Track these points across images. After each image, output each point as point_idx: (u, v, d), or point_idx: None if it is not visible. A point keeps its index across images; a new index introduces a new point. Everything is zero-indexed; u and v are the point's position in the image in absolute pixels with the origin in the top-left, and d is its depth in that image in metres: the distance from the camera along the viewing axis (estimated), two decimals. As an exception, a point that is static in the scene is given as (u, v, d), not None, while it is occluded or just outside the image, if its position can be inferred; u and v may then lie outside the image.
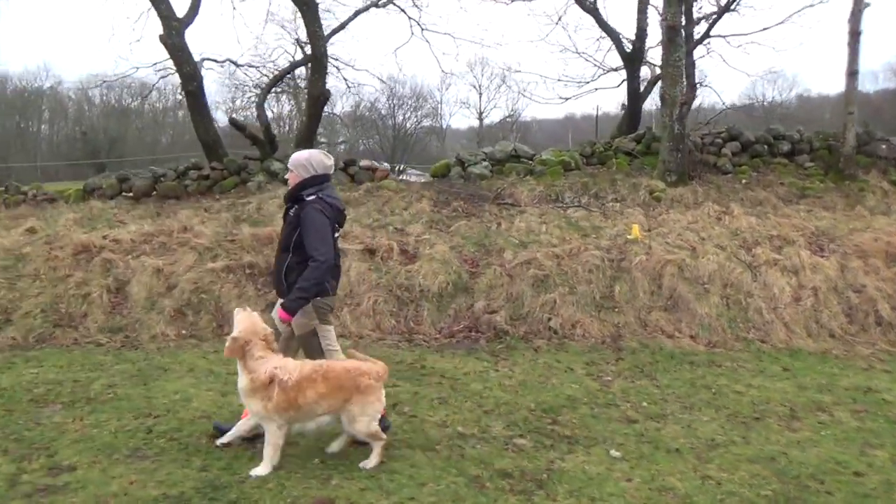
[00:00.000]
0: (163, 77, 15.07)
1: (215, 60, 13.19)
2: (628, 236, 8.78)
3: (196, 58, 11.69)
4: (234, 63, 13.78)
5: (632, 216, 9.74)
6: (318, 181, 4.23)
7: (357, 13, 12.27)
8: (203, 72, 11.75)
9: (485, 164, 11.71)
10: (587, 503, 3.66)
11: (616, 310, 7.56)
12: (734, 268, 8.09)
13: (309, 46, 12.62)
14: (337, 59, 13.78)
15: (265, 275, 7.76)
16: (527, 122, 51.25)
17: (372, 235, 8.57)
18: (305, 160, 4.26)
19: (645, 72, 15.53)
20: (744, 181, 11.48)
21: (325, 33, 11.88)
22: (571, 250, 8.29)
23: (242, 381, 3.83)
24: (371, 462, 3.91)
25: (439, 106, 49.87)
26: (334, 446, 4.08)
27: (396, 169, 48.76)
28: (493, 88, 54.43)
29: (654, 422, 4.97)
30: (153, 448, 4.17)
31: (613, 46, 14.18)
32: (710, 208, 10.09)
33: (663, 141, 11.17)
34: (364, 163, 12.27)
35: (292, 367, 3.84)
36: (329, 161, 4.29)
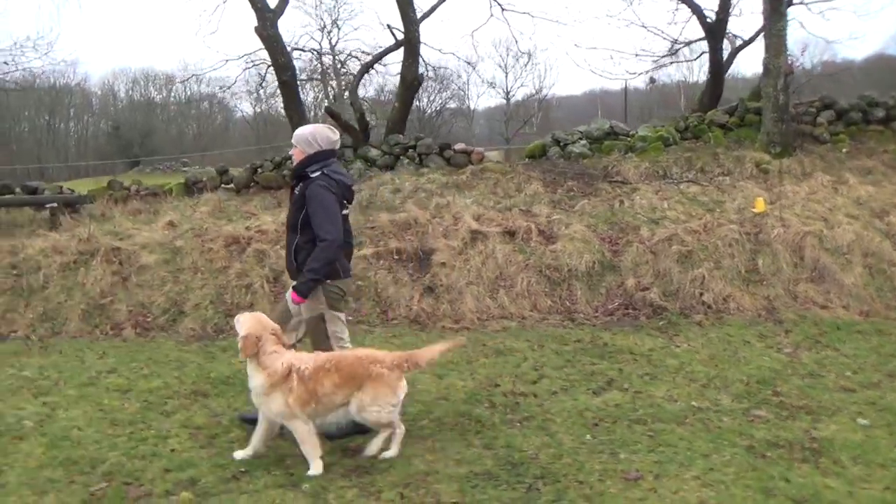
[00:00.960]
0: (246, 69, 15.06)
1: (302, 49, 13.24)
2: (753, 210, 8.84)
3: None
4: (317, 52, 13.78)
5: (746, 189, 9.78)
6: (323, 157, 4.09)
7: (442, -1, 12.28)
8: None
9: (582, 142, 11.76)
10: (878, 469, 3.80)
11: (764, 283, 7.66)
12: (872, 237, 8.17)
13: (392, 31, 12.68)
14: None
15: (414, 260, 7.94)
16: (548, 100, 50.82)
17: (504, 217, 8.69)
18: (309, 135, 4.12)
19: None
20: (844, 150, 11.45)
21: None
22: (706, 225, 8.38)
23: (257, 379, 3.69)
24: (371, 450, 3.86)
25: (466, 87, 49.67)
26: (371, 448, 3.91)
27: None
28: (520, 67, 54.12)
29: (871, 390, 5.10)
30: (423, 430, 4.35)
31: (694, 18, 14.07)
32: (822, 178, 10.11)
33: (766, 112, 11.15)
34: (458, 146, 12.35)
35: (307, 358, 3.77)
36: (335, 136, 4.17)
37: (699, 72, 49.92)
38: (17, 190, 12.09)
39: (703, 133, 12.16)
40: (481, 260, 7.91)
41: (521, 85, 48.67)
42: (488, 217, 8.64)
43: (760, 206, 8.88)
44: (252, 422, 3.97)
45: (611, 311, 7.33)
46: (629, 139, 11.74)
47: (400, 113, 12.59)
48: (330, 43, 55.68)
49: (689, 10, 13.87)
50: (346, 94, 13.07)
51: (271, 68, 13.78)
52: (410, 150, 12.22)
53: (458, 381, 5.29)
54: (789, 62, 11.04)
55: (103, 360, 5.97)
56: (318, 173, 4.03)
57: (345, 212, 4.13)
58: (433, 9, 12.32)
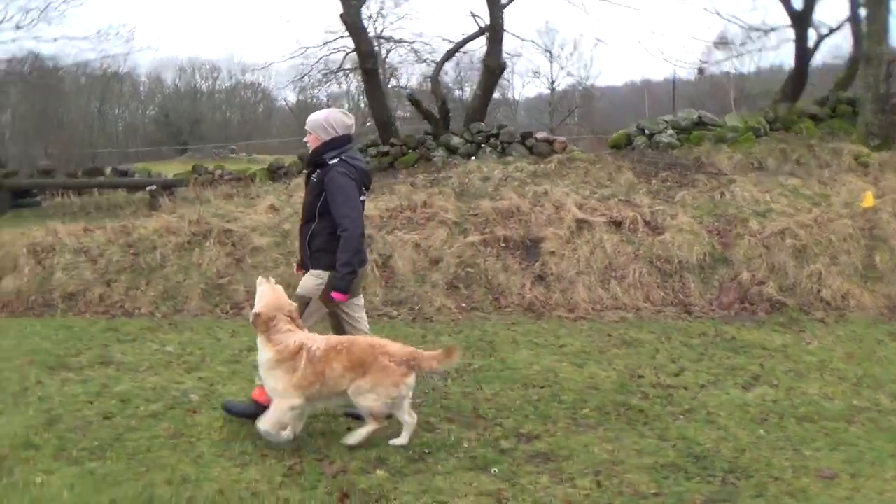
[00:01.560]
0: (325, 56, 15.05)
1: (387, 39, 13.26)
2: (862, 204, 8.61)
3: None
4: (393, 40, 13.77)
5: (849, 183, 9.53)
6: (339, 143, 3.98)
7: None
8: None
9: (670, 132, 11.59)
10: None
11: (883, 280, 7.47)
12: None
13: (476, 18, 12.61)
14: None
15: (521, 248, 7.92)
16: (590, 90, 50.05)
17: (606, 207, 8.61)
18: (324, 120, 3.98)
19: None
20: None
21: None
22: (817, 219, 8.19)
23: (265, 354, 3.65)
24: (355, 438, 3.75)
25: (511, 76, 49.19)
26: (402, 439, 3.81)
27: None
28: (565, 56, 53.47)
29: None
30: (589, 418, 4.34)
31: (780, 5, 13.70)
32: (929, 173, 9.80)
33: (865, 102, 10.86)
34: (540, 135, 12.30)
35: (319, 339, 3.71)
36: (350, 120, 4.06)
37: (750, 62, 48.87)
38: (108, 172, 12.39)
39: (792, 124, 11.91)
40: (589, 249, 7.86)
41: (568, 74, 48.00)
42: (591, 206, 8.57)
43: (869, 200, 8.65)
44: (238, 413, 3.99)
45: (727, 305, 7.22)
46: (719, 129, 11.53)
47: (481, 100, 12.57)
48: (376, 31, 56.00)
49: (776, -3, 13.49)
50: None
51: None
52: (492, 139, 12.20)
53: (600, 371, 5.27)
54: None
55: (237, 339, 6.07)
56: (336, 160, 3.93)
57: (362, 198, 4.04)
58: (518, -5, 12.19)
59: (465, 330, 6.47)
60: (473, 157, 11.94)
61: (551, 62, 46.58)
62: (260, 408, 3.83)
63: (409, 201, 8.86)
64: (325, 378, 3.61)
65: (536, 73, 55.59)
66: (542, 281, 7.52)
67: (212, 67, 57.99)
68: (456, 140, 12.18)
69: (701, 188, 9.52)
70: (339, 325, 4.22)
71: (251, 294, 6.95)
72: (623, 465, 3.71)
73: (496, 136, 12.18)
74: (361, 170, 4.02)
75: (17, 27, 13.81)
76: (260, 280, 3.89)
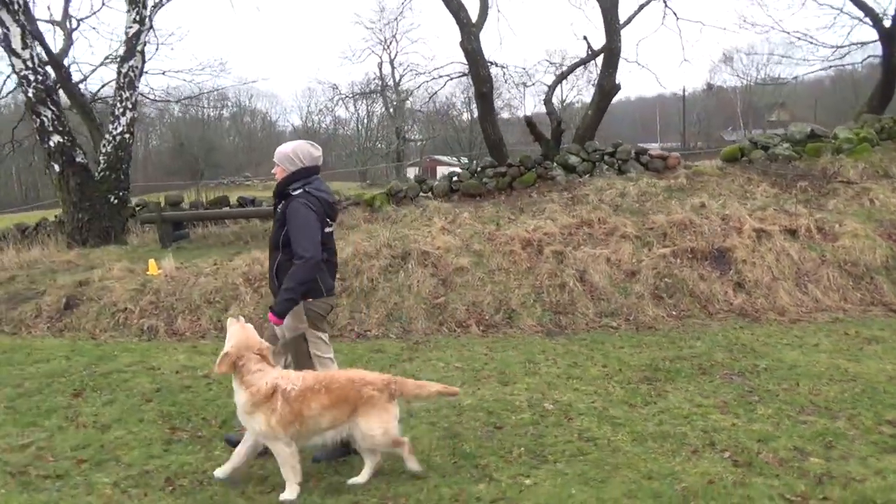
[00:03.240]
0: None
1: (495, 64, 13.71)
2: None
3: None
4: (495, 64, 14.25)
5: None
6: (305, 174, 3.98)
7: (641, 7, 12.68)
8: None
9: (785, 145, 12.04)
10: None
11: None
12: None
13: (588, 42, 13.02)
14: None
15: (709, 258, 8.27)
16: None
17: (766, 216, 9.00)
18: (291, 152, 4.00)
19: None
20: None
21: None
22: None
23: (241, 397, 3.55)
24: (363, 477, 3.69)
25: (522, 96, 49.87)
26: (361, 477, 3.72)
27: (474, 163, 49.26)
28: (575, 76, 54.41)
29: None
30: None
31: (864, 22, 14.33)
32: None
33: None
34: (654, 151, 12.72)
35: (294, 377, 3.61)
36: (317, 152, 4.06)
37: (756, 76, 50.06)
38: (234, 203, 12.66)
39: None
40: (774, 256, 8.23)
41: (578, 93, 48.91)
42: (758, 216, 8.95)
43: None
44: (236, 444, 3.86)
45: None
46: (834, 141, 11.99)
47: (592, 120, 12.98)
48: (389, 56, 56.81)
49: (863, 13, 14.12)
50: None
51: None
52: (607, 156, 12.60)
53: (885, 365, 5.58)
54: None
55: (501, 353, 6.35)
56: (299, 191, 3.93)
57: (328, 229, 4.01)
58: (629, 19, 12.71)
59: (705, 336, 6.77)
60: (589, 175, 12.34)
61: (562, 81, 47.48)
62: None
63: (582, 219, 9.19)
64: (303, 417, 3.51)
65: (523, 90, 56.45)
66: (742, 288, 7.87)
67: (220, 94, 58.46)
68: (574, 159, 12.56)
69: (843, 196, 9.95)
70: (301, 360, 4.12)
71: (471, 312, 7.30)
72: None
73: (612, 153, 12.58)
74: (325, 201, 3.99)
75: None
76: (230, 321, 3.76)
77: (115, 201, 10.73)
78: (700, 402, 4.83)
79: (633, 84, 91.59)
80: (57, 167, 10.50)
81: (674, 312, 7.63)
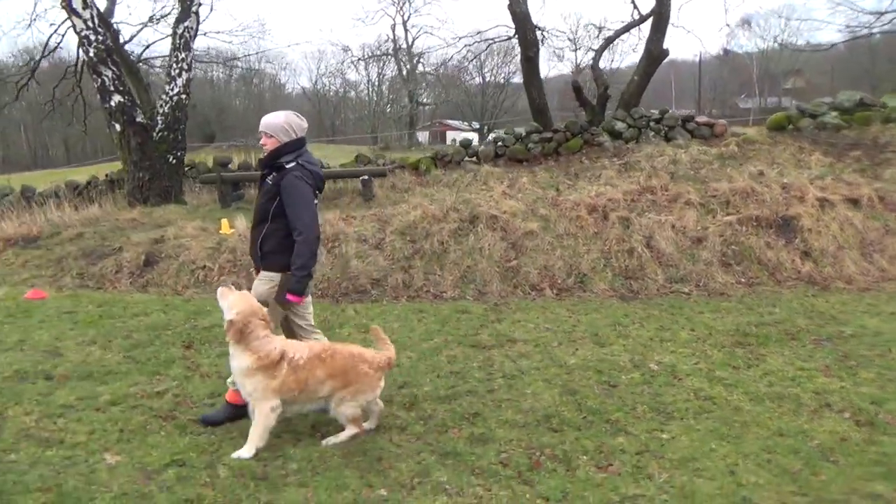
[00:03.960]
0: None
1: (542, 29, 13.61)
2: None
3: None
4: (541, 30, 14.15)
5: None
6: (296, 146, 3.97)
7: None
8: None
9: (833, 114, 12.04)
10: None
11: None
12: None
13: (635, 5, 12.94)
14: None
15: (773, 225, 8.39)
16: (615, 73, 50.48)
17: (825, 185, 9.09)
18: (284, 123, 3.95)
19: None
20: None
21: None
22: None
23: (243, 360, 3.61)
24: (336, 440, 3.80)
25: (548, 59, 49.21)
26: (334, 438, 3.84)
27: (485, 129, 48.79)
28: (590, 39, 53.62)
29: None
30: None
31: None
32: None
33: None
34: (700, 118, 12.73)
35: (300, 347, 3.75)
36: (305, 123, 4.07)
37: (780, 38, 49.23)
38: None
39: (945, 103, 12.35)
40: (838, 226, 8.35)
41: (593, 56, 48.32)
42: (823, 185, 9.04)
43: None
44: (216, 422, 4.00)
45: None
46: (883, 110, 11.99)
47: (638, 86, 12.97)
48: (403, 18, 56.11)
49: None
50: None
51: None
52: (654, 123, 12.61)
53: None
54: None
55: (586, 316, 6.53)
56: (292, 164, 3.92)
57: (315, 202, 4.01)
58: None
59: (780, 303, 6.93)
60: (635, 142, 12.38)
61: (576, 47, 46.92)
62: (236, 409, 3.99)
63: (642, 185, 9.29)
64: (306, 385, 3.66)
65: (559, 56, 55.87)
66: (809, 256, 8.01)
67: (231, 55, 58.04)
68: (620, 125, 12.58)
69: (899, 166, 10.00)
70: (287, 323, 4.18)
71: (544, 276, 7.46)
72: None
73: (658, 120, 12.60)
74: (316, 174, 4.03)
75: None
76: (221, 291, 3.78)
77: (174, 161, 10.83)
78: (801, 366, 5.01)
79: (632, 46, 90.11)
80: (118, 126, 10.57)
81: (742, 280, 7.78)
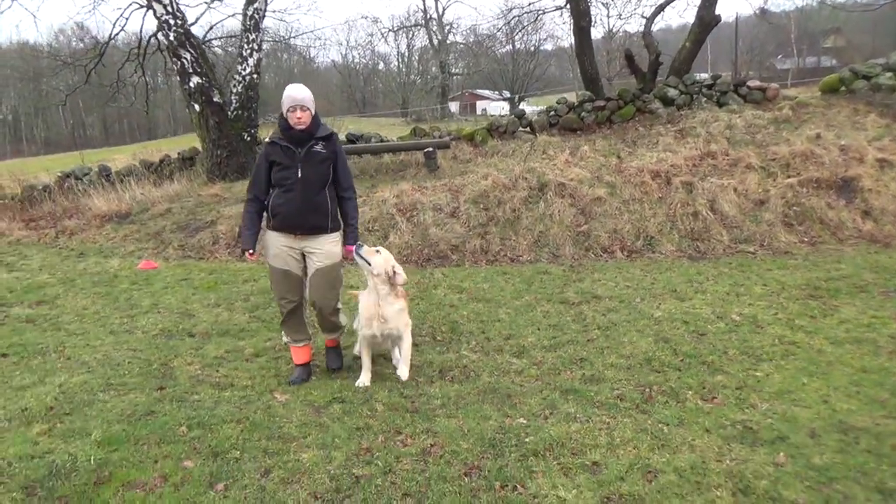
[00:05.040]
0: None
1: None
2: None
3: None
4: (606, 4, 14.33)
5: None
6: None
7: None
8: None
9: (888, 75, 12.13)
10: None
11: None
12: None
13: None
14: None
15: (833, 187, 8.69)
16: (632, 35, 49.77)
17: (882, 147, 9.32)
18: (310, 96, 4.25)
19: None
20: None
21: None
22: None
23: (398, 304, 4.35)
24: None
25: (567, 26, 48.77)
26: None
27: (517, 99, 48.51)
28: (624, 2, 52.82)
29: None
30: None
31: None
32: None
33: None
34: (752, 83, 12.90)
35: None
36: None
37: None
38: (342, 139, 13.24)
39: None
40: (898, 186, 8.61)
41: (626, 22, 47.73)
42: (878, 146, 9.27)
43: None
44: (338, 368, 4.70)
45: None
46: (939, 70, 12.02)
47: (690, 52, 13.15)
48: (434, -13, 55.80)
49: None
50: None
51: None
52: (706, 89, 12.84)
53: None
54: None
55: (662, 275, 6.98)
56: (331, 131, 4.36)
57: None
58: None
59: (845, 260, 7.28)
60: (688, 108, 12.64)
61: (608, 11, 46.42)
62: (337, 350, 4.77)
63: (702, 150, 9.62)
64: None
65: (594, 23, 55.35)
66: (869, 215, 8.31)
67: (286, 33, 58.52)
68: (672, 92, 12.83)
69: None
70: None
71: (614, 239, 7.89)
72: None
73: (710, 86, 12.82)
74: None
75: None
76: (367, 250, 4.33)
77: (248, 138, 11.42)
78: (874, 314, 5.42)
79: (675, 12, 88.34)
80: (197, 107, 11.19)
81: (805, 239, 8.13)
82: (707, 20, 12.67)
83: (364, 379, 4.42)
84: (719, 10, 12.60)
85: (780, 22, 57.53)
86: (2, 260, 8.81)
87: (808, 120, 11.03)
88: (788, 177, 8.92)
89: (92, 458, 3.37)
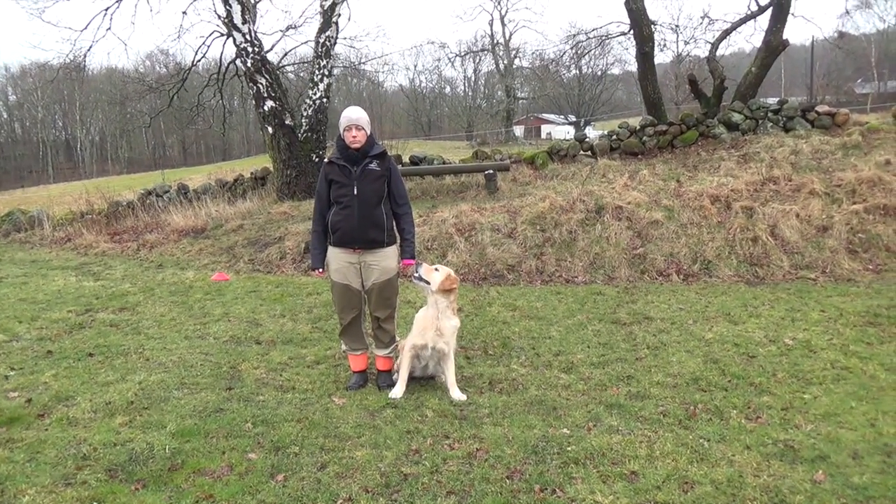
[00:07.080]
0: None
1: (654, 23, 13.90)
2: None
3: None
4: (654, 24, 14.41)
5: None
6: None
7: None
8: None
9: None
10: None
11: None
12: None
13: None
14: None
15: (901, 214, 8.47)
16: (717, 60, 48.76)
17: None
18: (366, 116, 4.53)
19: None
20: None
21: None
22: None
23: (455, 321, 4.57)
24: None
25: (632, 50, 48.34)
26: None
27: (582, 123, 48.46)
28: (692, 27, 52.08)
29: None
30: None
31: None
32: None
33: None
34: (821, 108, 12.66)
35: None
36: None
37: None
38: (406, 161, 13.66)
39: None
40: (971, 213, 8.32)
41: (695, 46, 47.10)
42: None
43: None
44: (392, 384, 4.73)
45: None
46: None
47: (756, 77, 13.03)
48: (500, 13, 56.68)
49: None
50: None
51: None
52: (772, 114, 12.67)
53: None
54: None
55: (717, 298, 6.98)
56: (384, 149, 4.59)
57: None
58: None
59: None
60: (753, 133, 12.50)
61: (677, 35, 45.96)
62: (388, 374, 4.86)
63: (765, 176, 9.54)
64: None
65: (662, 47, 54.84)
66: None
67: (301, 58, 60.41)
68: (737, 117, 12.73)
69: None
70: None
71: (670, 262, 7.90)
72: None
73: (777, 111, 12.66)
74: None
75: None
76: (426, 268, 4.56)
77: (317, 159, 11.95)
78: (935, 343, 5.32)
79: (746, 37, 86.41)
80: (270, 129, 11.82)
81: (870, 266, 7.96)
82: (774, 45, 12.56)
83: (398, 391, 4.60)
84: (795, 34, 12.41)
85: (858, 45, 55.78)
86: (89, 270, 9.51)
87: (879, 146, 10.79)
88: (854, 203, 8.76)
89: (167, 447, 3.71)
